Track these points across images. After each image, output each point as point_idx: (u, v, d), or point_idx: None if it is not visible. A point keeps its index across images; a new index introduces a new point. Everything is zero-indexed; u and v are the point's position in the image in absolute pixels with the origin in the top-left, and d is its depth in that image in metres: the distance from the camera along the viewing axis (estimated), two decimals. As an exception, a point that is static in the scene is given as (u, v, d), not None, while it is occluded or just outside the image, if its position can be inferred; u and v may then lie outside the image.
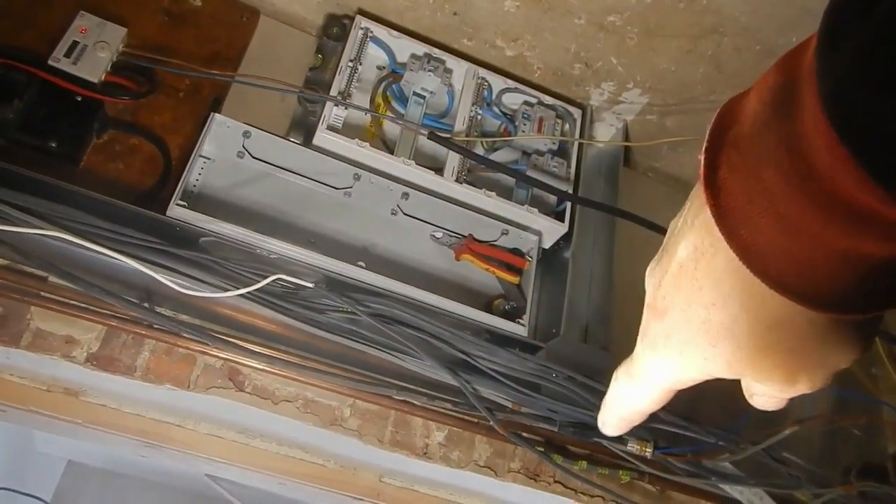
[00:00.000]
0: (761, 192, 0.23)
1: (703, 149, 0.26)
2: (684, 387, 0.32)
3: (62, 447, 2.16)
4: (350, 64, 1.00)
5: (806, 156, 0.21)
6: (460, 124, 1.02)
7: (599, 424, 0.38)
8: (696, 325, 0.28)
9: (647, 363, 0.32)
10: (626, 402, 0.35)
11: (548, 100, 1.11)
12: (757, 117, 0.24)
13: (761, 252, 0.24)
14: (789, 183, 0.22)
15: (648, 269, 0.31)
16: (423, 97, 1.03)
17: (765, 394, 0.30)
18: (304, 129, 0.99)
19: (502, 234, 1.00)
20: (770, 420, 0.95)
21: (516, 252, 1.00)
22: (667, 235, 0.31)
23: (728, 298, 0.26)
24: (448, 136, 1.00)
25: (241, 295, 0.80)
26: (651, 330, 0.31)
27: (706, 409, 0.96)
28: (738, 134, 0.25)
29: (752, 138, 0.24)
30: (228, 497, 1.99)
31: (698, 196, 0.27)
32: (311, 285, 0.82)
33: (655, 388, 0.33)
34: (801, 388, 0.28)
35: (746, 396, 0.32)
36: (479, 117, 1.06)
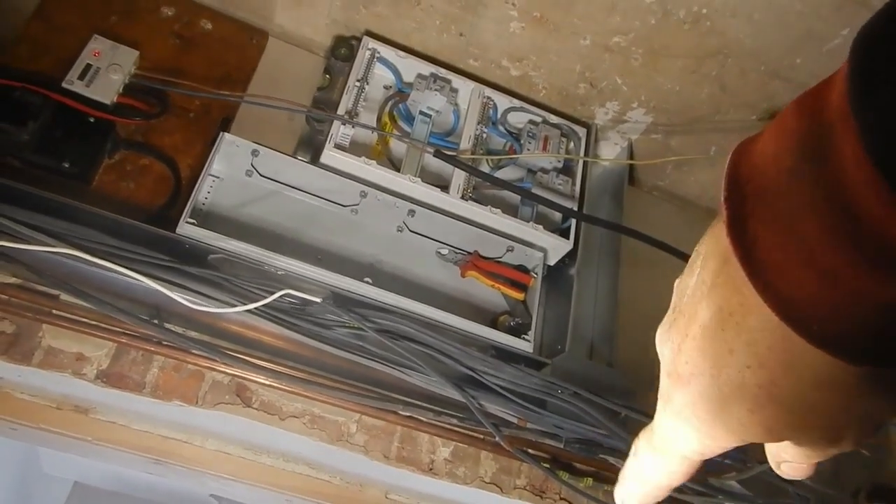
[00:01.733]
0: (798, 244, 0.22)
1: (723, 199, 0.24)
2: (713, 455, 0.30)
3: (68, 468, 2.16)
4: (357, 83, 1.01)
5: (848, 204, 0.20)
6: (466, 142, 1.03)
7: (617, 498, 0.36)
8: (729, 390, 0.26)
9: (673, 434, 0.30)
10: (650, 476, 0.33)
11: (553, 119, 1.12)
12: (782, 164, 0.23)
13: (801, 308, 0.22)
14: (830, 234, 0.21)
15: (659, 333, 0.29)
16: (430, 116, 1.04)
17: (797, 458, 0.29)
18: (311, 148, 1.01)
19: (507, 250, 1.01)
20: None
21: (521, 269, 1.01)
22: (676, 296, 0.29)
23: (765, 360, 0.24)
24: (454, 153, 1.01)
25: (250, 310, 0.81)
26: (675, 399, 0.28)
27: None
28: (763, 182, 0.23)
29: (781, 187, 0.23)
30: (234, 517, 1.98)
31: (715, 254, 0.26)
32: (318, 300, 0.82)
33: (683, 460, 0.31)
34: (845, 445, 0.27)
35: (773, 465, 0.31)
36: (484, 136, 1.07)
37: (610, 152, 1.22)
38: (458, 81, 1.08)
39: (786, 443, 0.28)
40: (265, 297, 0.82)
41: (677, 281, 0.29)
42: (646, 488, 0.34)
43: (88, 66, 0.90)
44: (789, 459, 0.29)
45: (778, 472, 0.30)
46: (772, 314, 0.23)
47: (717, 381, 0.26)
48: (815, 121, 0.22)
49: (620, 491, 0.35)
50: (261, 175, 0.95)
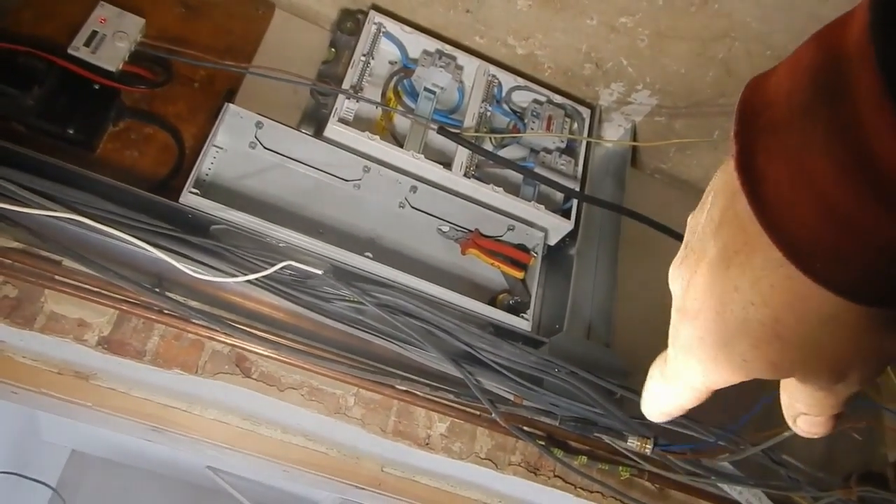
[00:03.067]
0: (807, 181, 0.21)
1: (733, 134, 0.24)
2: (720, 387, 0.30)
3: (66, 436, 2.18)
4: (363, 58, 1.01)
5: (862, 142, 0.20)
6: (470, 120, 1.03)
7: (643, 409, 0.37)
8: (734, 326, 0.26)
9: (681, 367, 0.31)
10: (662, 401, 0.34)
11: (557, 98, 1.12)
12: (795, 99, 0.22)
13: (806, 246, 0.22)
14: (842, 172, 0.20)
15: (671, 269, 0.30)
16: (434, 93, 1.04)
17: (811, 407, 0.29)
18: (315, 122, 1.01)
19: (508, 229, 1.02)
20: (771, 421, 0.96)
21: (522, 248, 1.01)
22: (687, 232, 0.29)
23: (769, 297, 0.24)
24: (457, 131, 1.01)
25: (251, 281, 0.81)
26: (683, 333, 0.29)
27: (707, 408, 0.96)
28: (774, 118, 0.23)
29: (793, 123, 0.22)
30: (229, 489, 2.01)
31: (724, 191, 0.26)
32: (320, 272, 0.83)
33: (691, 390, 0.32)
34: (852, 382, 0.27)
35: (789, 421, 0.31)
36: (488, 114, 1.07)
37: (613, 134, 1.22)
38: (463, 59, 1.08)
39: (799, 391, 0.28)
40: (266, 269, 0.82)
41: (690, 216, 0.29)
42: (662, 408, 0.35)
43: (94, 33, 0.90)
44: (804, 410, 0.29)
45: (794, 428, 0.31)
46: (775, 252, 0.23)
47: (723, 316, 0.26)
48: (832, 55, 0.21)
49: (643, 405, 0.36)
50: (264, 147, 0.95)
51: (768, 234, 0.23)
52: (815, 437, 0.31)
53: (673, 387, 0.32)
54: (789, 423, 0.31)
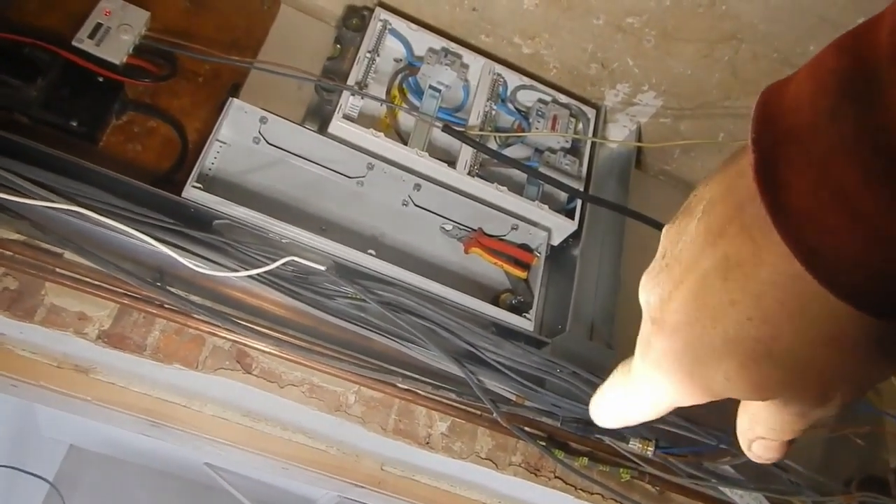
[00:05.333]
0: (833, 189, 0.21)
1: (751, 142, 0.23)
2: (684, 406, 0.29)
3: (65, 432, 2.18)
4: (368, 55, 1.01)
5: (894, 149, 0.19)
6: (474, 119, 1.03)
7: (591, 412, 0.35)
8: (721, 343, 0.25)
9: (648, 381, 0.29)
10: (618, 410, 0.33)
11: (562, 98, 1.11)
12: (820, 104, 0.22)
13: (829, 257, 0.21)
14: (871, 179, 0.20)
15: (644, 278, 0.28)
16: (439, 91, 1.04)
17: (772, 432, 0.28)
18: (319, 118, 1.00)
19: (512, 229, 1.01)
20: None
21: (525, 247, 1.01)
22: (667, 241, 0.27)
23: (771, 314, 0.23)
24: (462, 129, 1.00)
25: (253, 276, 0.81)
26: (656, 346, 0.27)
27: (708, 411, 0.96)
28: (797, 124, 0.22)
29: (818, 128, 0.21)
30: (226, 486, 2.00)
31: (726, 200, 0.25)
32: (323, 268, 0.82)
33: (652, 406, 0.30)
34: (831, 407, 0.26)
35: (744, 445, 0.29)
36: (493, 113, 1.06)
37: (618, 135, 1.21)
38: (468, 57, 1.08)
39: (766, 414, 0.27)
40: (268, 264, 0.82)
41: (668, 226, 0.28)
42: (617, 415, 0.33)
43: (99, 25, 0.90)
44: (764, 434, 0.28)
45: (748, 453, 0.29)
46: (788, 265, 0.22)
47: (710, 332, 0.25)
48: (859, 60, 0.20)
49: (595, 405, 0.35)
50: (268, 143, 0.95)
51: (788, 244, 0.22)
52: (767, 462, 0.29)
53: (634, 399, 0.31)
54: (743, 447, 0.29)
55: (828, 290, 0.21)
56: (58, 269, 0.85)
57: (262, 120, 0.93)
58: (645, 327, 0.28)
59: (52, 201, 0.76)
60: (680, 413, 0.93)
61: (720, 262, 0.24)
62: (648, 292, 0.28)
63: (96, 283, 0.85)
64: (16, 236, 0.84)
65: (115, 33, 0.90)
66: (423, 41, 1.07)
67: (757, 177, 0.22)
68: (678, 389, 0.28)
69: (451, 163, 0.99)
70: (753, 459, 0.29)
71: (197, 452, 1.63)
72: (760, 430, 0.28)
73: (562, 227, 1.02)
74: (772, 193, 0.22)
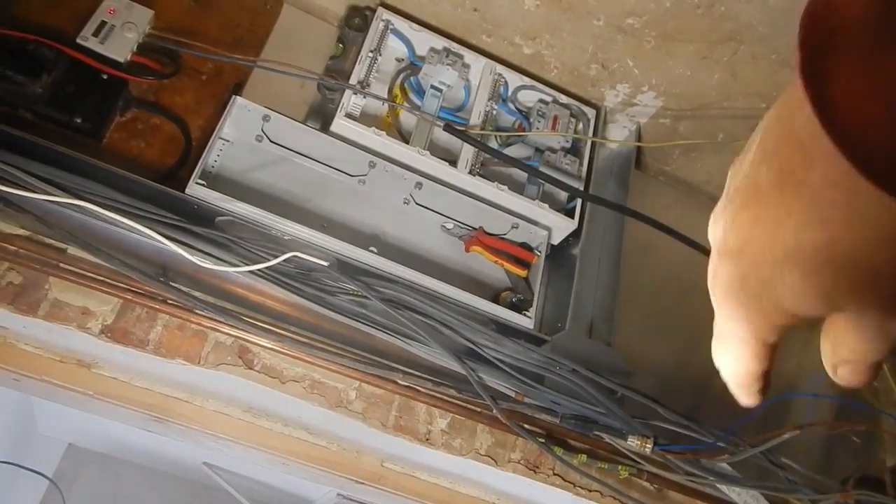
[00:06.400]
0: (882, 79, 0.20)
1: (799, 42, 0.22)
2: (777, 337, 0.28)
3: (63, 430, 2.18)
4: (370, 54, 1.01)
5: None
6: (475, 118, 1.03)
7: (735, 396, 0.33)
8: (783, 255, 0.25)
9: (724, 318, 0.29)
10: (728, 370, 0.31)
11: (563, 99, 1.12)
12: None
13: (876, 150, 0.21)
14: None
15: (712, 217, 0.28)
16: (441, 90, 1.05)
17: (856, 351, 0.27)
18: (321, 116, 1.01)
19: (512, 227, 1.02)
20: (770, 423, 0.96)
21: (525, 246, 1.01)
22: (730, 179, 0.28)
23: (826, 217, 0.23)
24: (463, 128, 1.01)
25: (255, 272, 0.82)
26: (722, 275, 0.28)
27: (707, 409, 0.97)
28: (845, 19, 0.22)
29: (867, 21, 0.21)
30: (224, 485, 2.01)
31: (779, 118, 0.25)
32: (325, 264, 0.83)
33: (743, 345, 0.29)
34: None
35: (830, 371, 0.29)
36: (494, 112, 1.07)
37: (618, 135, 1.22)
38: (470, 57, 1.08)
39: (846, 332, 0.27)
40: (270, 260, 0.82)
41: (732, 165, 0.28)
42: (736, 380, 0.32)
43: (103, 23, 0.90)
44: (848, 357, 0.28)
45: (835, 377, 0.29)
46: (837, 165, 0.21)
47: (771, 246, 0.25)
48: None
49: (732, 389, 0.33)
50: (270, 141, 0.95)
51: (833, 140, 0.21)
52: (856, 386, 0.29)
53: (729, 347, 0.30)
54: (830, 372, 0.29)
55: (876, 187, 0.21)
56: (61, 264, 0.85)
57: (265, 118, 0.94)
58: (712, 262, 0.29)
59: (57, 196, 0.77)
60: (679, 409, 0.93)
61: (775, 177, 0.24)
62: (714, 229, 0.28)
63: (100, 278, 0.86)
64: (20, 231, 0.85)
65: (120, 31, 0.91)
66: (424, 41, 1.07)
67: (802, 75, 0.22)
68: (752, 313, 0.27)
69: (453, 162, 0.99)
70: (841, 384, 0.29)
71: (195, 451, 1.64)
72: (844, 352, 0.28)
73: (562, 226, 1.03)
74: (817, 89, 0.22)
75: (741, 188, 0.27)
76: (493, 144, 1.06)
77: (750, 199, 0.26)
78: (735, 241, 0.27)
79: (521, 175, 1.07)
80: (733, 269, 0.27)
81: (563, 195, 1.08)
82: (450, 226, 1.01)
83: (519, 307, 0.97)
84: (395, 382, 0.93)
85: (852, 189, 0.22)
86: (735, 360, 0.30)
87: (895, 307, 0.25)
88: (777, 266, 0.25)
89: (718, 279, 0.28)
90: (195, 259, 0.79)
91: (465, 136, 0.99)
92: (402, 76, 1.06)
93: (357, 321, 0.88)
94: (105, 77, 0.90)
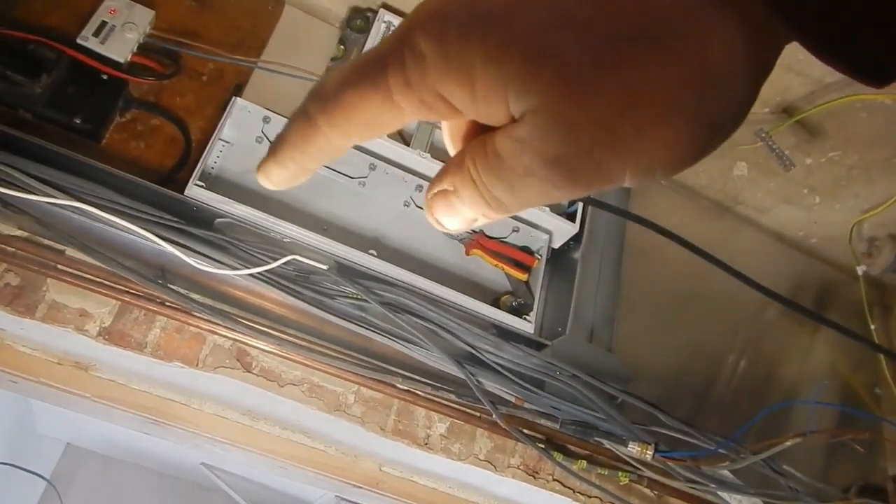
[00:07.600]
0: None
1: None
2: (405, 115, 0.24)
3: (62, 430, 2.18)
4: (371, 56, 1.01)
5: None
6: (477, 121, 1.03)
7: None
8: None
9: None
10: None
11: (565, 102, 1.11)
12: None
13: None
14: None
15: None
16: (442, 93, 1.04)
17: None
18: (322, 119, 1.00)
19: (513, 231, 1.01)
20: (771, 431, 0.95)
21: (526, 250, 1.01)
22: None
23: None
24: (464, 132, 1.01)
25: (254, 275, 0.81)
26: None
27: (708, 416, 0.96)
28: None
29: None
30: (223, 486, 2.00)
31: None
32: (325, 267, 0.83)
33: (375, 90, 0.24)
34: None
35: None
36: (496, 116, 1.06)
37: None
38: (472, 59, 1.08)
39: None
40: (270, 263, 0.82)
41: None
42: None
43: (104, 24, 0.90)
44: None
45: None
46: None
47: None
48: None
49: None
50: (271, 142, 0.95)
51: None
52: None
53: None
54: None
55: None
56: (59, 266, 0.85)
57: (265, 119, 0.94)
58: None
59: (55, 197, 0.77)
60: (680, 416, 0.93)
61: None
62: None
63: (98, 279, 0.85)
64: (18, 232, 0.84)
65: (120, 32, 0.90)
66: (426, 43, 1.07)
67: None
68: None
69: (454, 164, 0.99)
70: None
71: (193, 452, 1.63)
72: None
73: (563, 230, 1.02)
74: None
75: None
76: (495, 147, 1.06)
77: None
78: None
79: (522, 178, 1.06)
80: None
81: (565, 199, 1.07)
82: (450, 229, 1.00)
83: (519, 311, 0.96)
84: (394, 386, 0.92)
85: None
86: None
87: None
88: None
89: None
90: (194, 262, 0.79)
91: (466, 139, 0.98)
92: (403, 78, 1.06)
93: (356, 325, 0.87)
94: (105, 77, 0.90)
